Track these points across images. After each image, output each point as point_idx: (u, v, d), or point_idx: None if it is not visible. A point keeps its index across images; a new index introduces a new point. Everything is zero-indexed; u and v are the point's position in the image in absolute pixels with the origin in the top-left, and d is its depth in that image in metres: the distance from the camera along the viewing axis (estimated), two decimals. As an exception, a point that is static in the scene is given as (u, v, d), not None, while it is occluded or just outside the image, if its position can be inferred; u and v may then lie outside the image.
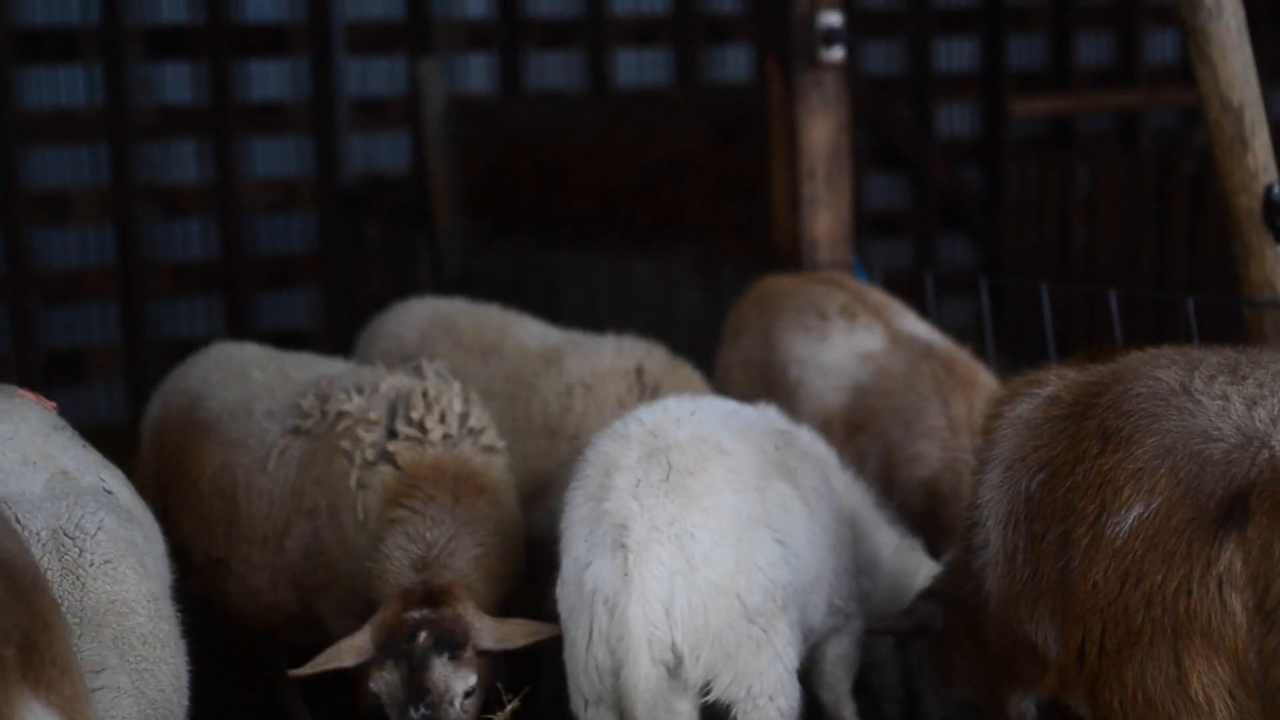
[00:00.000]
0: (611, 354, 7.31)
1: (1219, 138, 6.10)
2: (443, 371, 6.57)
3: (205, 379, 7.03)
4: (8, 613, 3.72)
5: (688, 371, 7.34)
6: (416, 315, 8.25)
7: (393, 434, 6.19)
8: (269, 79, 13.52)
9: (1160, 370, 4.56)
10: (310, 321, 13.74)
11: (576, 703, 5.21)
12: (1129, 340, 5.58)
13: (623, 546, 5.04)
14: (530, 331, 7.84)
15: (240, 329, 13.22)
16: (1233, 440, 4.22)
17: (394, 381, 6.42)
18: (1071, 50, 15.77)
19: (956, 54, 15.57)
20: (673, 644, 5.02)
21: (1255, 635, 4.06)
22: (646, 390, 7.11)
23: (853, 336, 7.58)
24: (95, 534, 4.69)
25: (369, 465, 6.15)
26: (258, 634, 7.15)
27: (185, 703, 4.83)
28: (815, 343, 7.62)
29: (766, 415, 5.95)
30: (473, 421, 6.30)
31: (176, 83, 13.22)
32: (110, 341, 13.12)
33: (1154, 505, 4.22)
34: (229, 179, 13.30)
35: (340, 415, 6.33)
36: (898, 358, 7.41)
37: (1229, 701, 4.11)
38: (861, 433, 7.27)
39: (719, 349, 8.16)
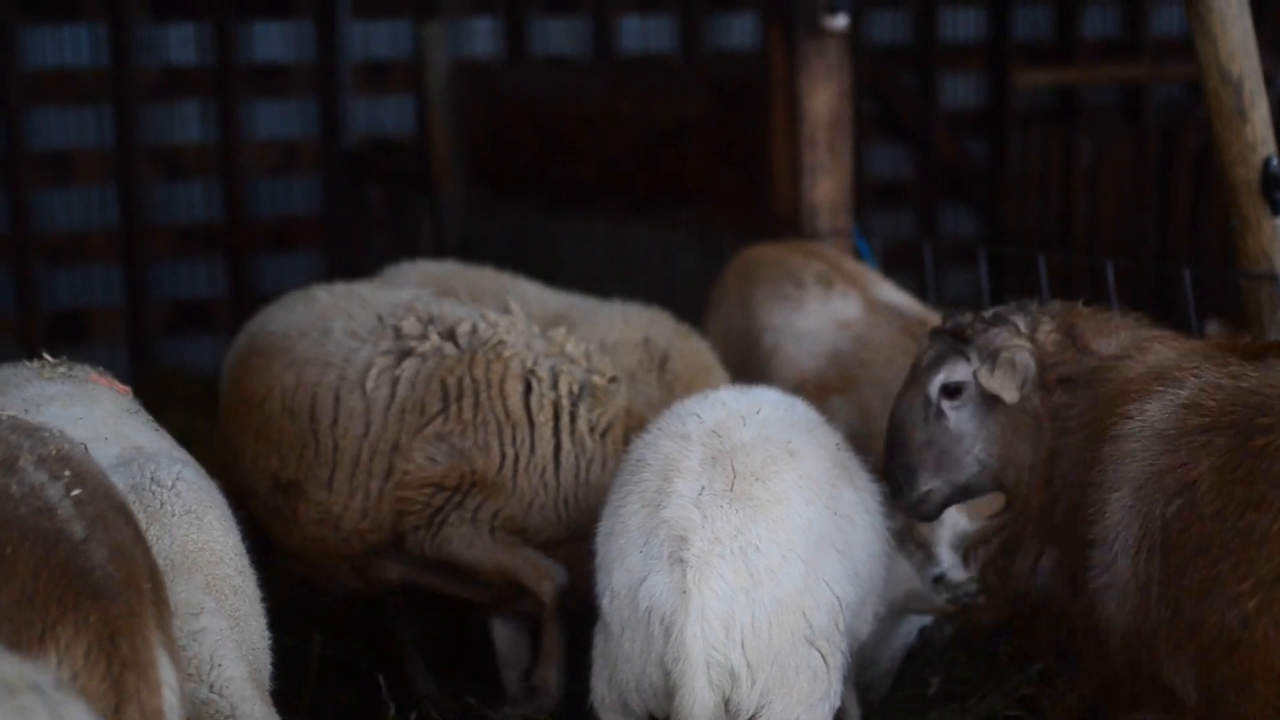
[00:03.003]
0: (619, 324, 7.26)
1: (1218, 109, 6.10)
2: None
3: (263, 315, 7.01)
4: (139, 549, 3.91)
5: (695, 340, 7.30)
6: (406, 279, 8.04)
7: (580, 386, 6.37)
8: (273, 41, 13.50)
9: None
10: (311, 281, 13.72)
11: (607, 708, 5.00)
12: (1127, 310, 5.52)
13: (681, 561, 4.67)
14: (529, 296, 7.66)
15: (242, 292, 13.25)
16: None
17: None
18: (1077, 21, 15.74)
19: (962, 23, 15.52)
20: (731, 667, 4.64)
21: None
22: (655, 361, 7.08)
23: (829, 304, 7.64)
24: (174, 485, 4.77)
25: (579, 397, 6.34)
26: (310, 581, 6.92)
27: (269, 667, 4.85)
28: (791, 310, 7.67)
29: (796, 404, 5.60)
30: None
31: (180, 44, 13.21)
32: (113, 303, 13.13)
33: None
34: (232, 141, 13.30)
35: (499, 343, 6.42)
36: (876, 327, 7.47)
37: None
38: (835, 395, 7.29)
39: (704, 317, 8.19)
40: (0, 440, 3.91)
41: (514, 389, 6.32)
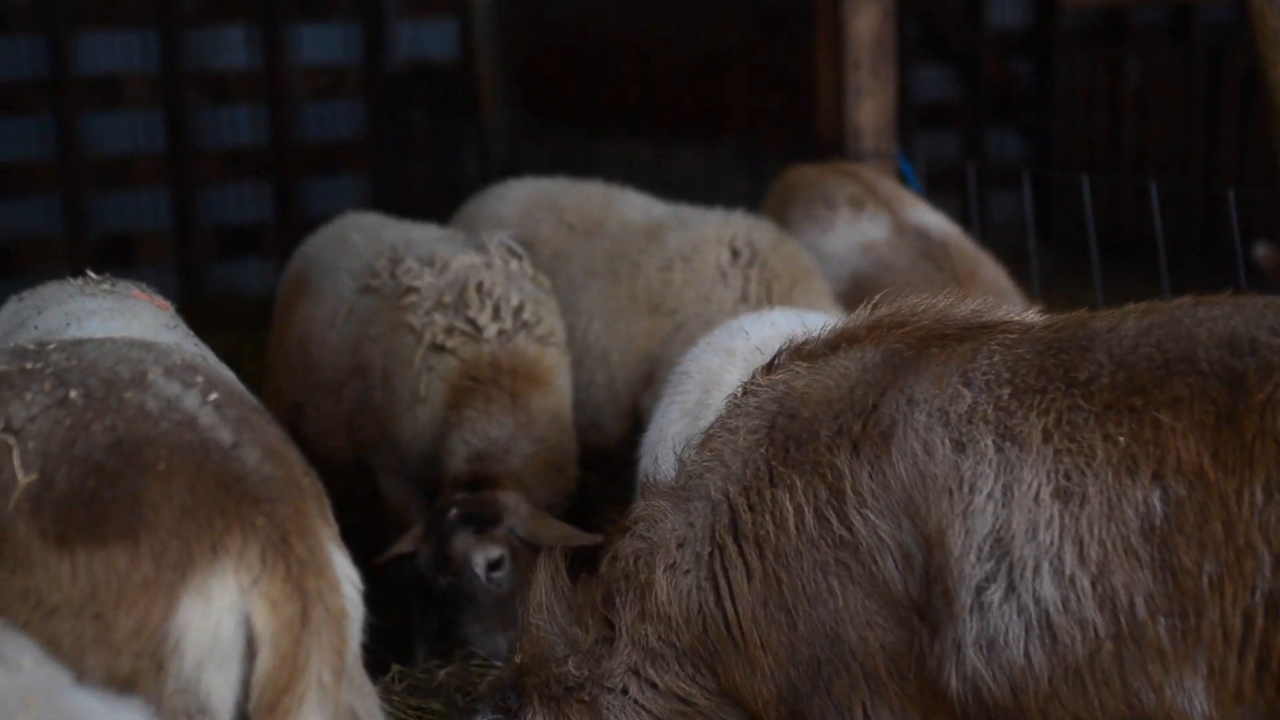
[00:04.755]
0: (714, 225, 7.27)
1: (1262, 29, 6.06)
2: (509, 244, 6.71)
3: (318, 244, 7.49)
4: (289, 448, 3.77)
5: (793, 248, 7.26)
6: (518, 194, 8.23)
7: (451, 330, 6.37)
8: (318, -35, 13.53)
9: None
10: (359, 208, 13.78)
11: None
12: (1174, 233, 5.48)
13: None
14: (635, 206, 7.76)
15: (289, 215, 13.33)
16: None
17: (464, 261, 6.54)
18: (1126, -59, 15.57)
19: (1009, -56, 15.39)
20: None
21: None
22: (742, 260, 7.09)
23: (857, 226, 7.67)
24: None
25: (436, 350, 6.33)
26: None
27: None
28: (820, 232, 7.71)
29: None
30: (527, 314, 6.46)
31: (226, -32, 13.25)
32: (160, 226, 13.23)
33: None
34: (277, 65, 13.33)
35: (409, 289, 6.49)
36: (899, 250, 7.48)
37: None
38: (858, 320, 7.32)
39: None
40: (123, 358, 3.75)
41: (404, 336, 6.53)
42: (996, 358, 4.09)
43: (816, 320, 5.64)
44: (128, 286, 5.31)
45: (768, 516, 4.12)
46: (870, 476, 4.04)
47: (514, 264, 6.67)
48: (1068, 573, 3.81)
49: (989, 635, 3.87)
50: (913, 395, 4.09)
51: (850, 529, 4.02)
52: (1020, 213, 13.45)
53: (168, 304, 5.37)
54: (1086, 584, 3.80)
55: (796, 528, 4.08)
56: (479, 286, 6.46)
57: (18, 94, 12.71)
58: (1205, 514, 3.74)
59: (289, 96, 13.43)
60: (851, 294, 7.52)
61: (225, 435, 3.59)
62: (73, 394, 3.56)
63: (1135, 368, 3.93)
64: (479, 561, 5.87)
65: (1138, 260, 10.80)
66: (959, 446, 3.97)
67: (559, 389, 6.51)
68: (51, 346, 3.81)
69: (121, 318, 4.98)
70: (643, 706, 4.32)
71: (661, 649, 4.29)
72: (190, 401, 3.64)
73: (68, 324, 4.89)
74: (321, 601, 3.48)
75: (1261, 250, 10.94)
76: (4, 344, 4.98)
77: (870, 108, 8.95)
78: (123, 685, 3.33)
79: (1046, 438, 3.89)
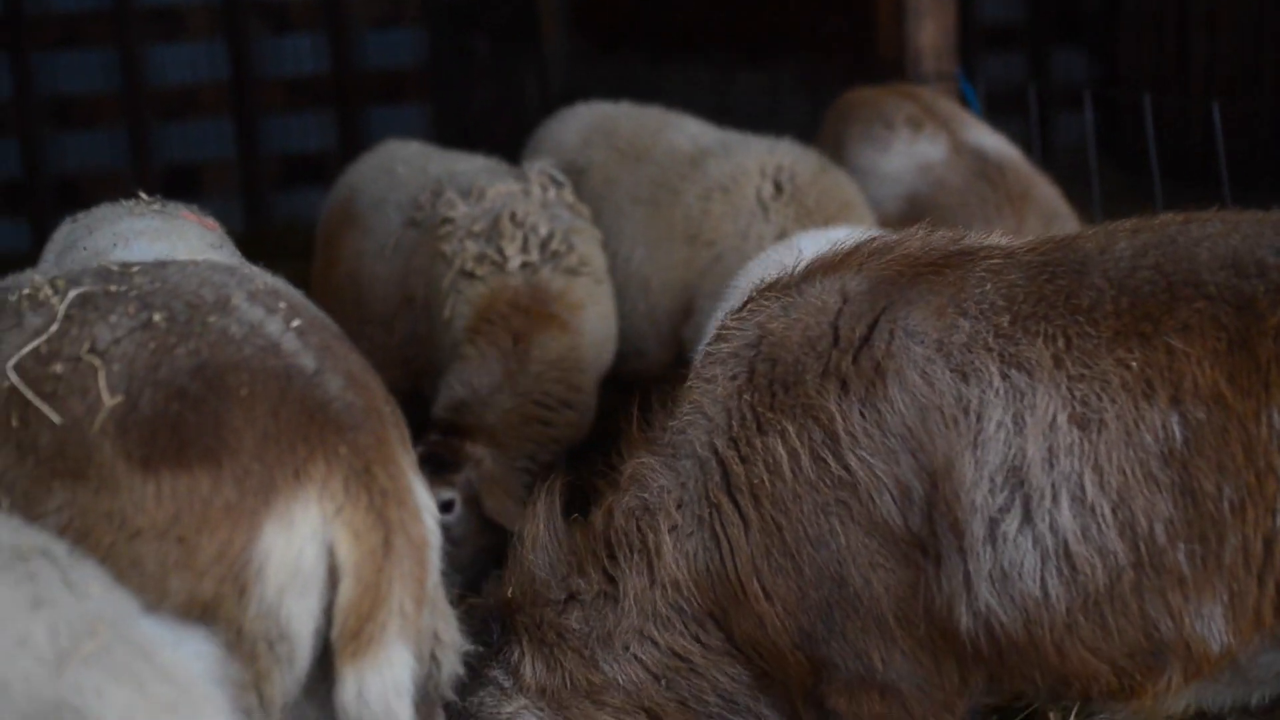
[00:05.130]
0: (757, 155, 7.20)
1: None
2: (551, 172, 6.70)
3: (363, 174, 7.54)
4: (370, 375, 3.76)
5: (836, 177, 7.21)
6: (580, 120, 8.25)
7: (481, 258, 6.38)
8: (377, -108, 13.49)
9: None
10: (421, 136, 13.80)
11: None
12: (1243, 154, 5.38)
13: None
14: (686, 133, 7.70)
15: (352, 143, 13.33)
16: None
17: (501, 190, 6.54)
18: None
19: None
20: None
21: None
22: (785, 193, 7.03)
23: (915, 147, 7.63)
24: None
25: (466, 276, 6.33)
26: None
27: None
28: (878, 153, 7.68)
29: None
30: (556, 243, 6.45)
31: (285, -103, 13.24)
32: (225, 156, 13.28)
33: None
34: (338, -7, 13.34)
35: (445, 220, 6.50)
36: (956, 170, 7.45)
37: None
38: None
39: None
40: (206, 281, 3.72)
41: (439, 264, 6.58)
42: (988, 285, 4.00)
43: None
44: (177, 208, 5.32)
45: (760, 465, 4.06)
46: (863, 415, 3.97)
47: (551, 193, 6.66)
48: (1088, 500, 3.76)
49: (1003, 568, 3.82)
50: (909, 326, 4.00)
51: (847, 469, 3.96)
52: (1081, 134, 13.31)
53: (215, 224, 5.38)
54: (1107, 511, 3.75)
55: (792, 472, 4.02)
56: (512, 216, 6.48)
57: (81, 27, 12.78)
58: (1225, 437, 3.70)
59: (350, 24, 13.42)
60: (908, 214, 7.49)
61: (308, 362, 3.57)
62: (157, 317, 3.55)
63: (1138, 292, 3.86)
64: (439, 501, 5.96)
65: (1206, 182, 10.67)
66: (962, 376, 3.89)
67: (582, 325, 6.51)
68: (135, 269, 3.79)
69: (167, 239, 5.00)
70: (640, 662, 4.30)
71: (668, 613, 4.26)
72: (273, 327, 3.62)
73: (115, 244, 4.92)
74: (404, 530, 3.47)
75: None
76: (57, 264, 5.03)
77: (931, 29, 8.86)
78: (204, 609, 3.35)
79: (1058, 363, 3.83)
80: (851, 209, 6.99)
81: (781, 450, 4.03)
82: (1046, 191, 7.43)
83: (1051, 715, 5.20)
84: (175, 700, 2.73)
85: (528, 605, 4.41)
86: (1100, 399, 3.78)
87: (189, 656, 2.87)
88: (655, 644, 4.29)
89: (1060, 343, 3.84)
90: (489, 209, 6.54)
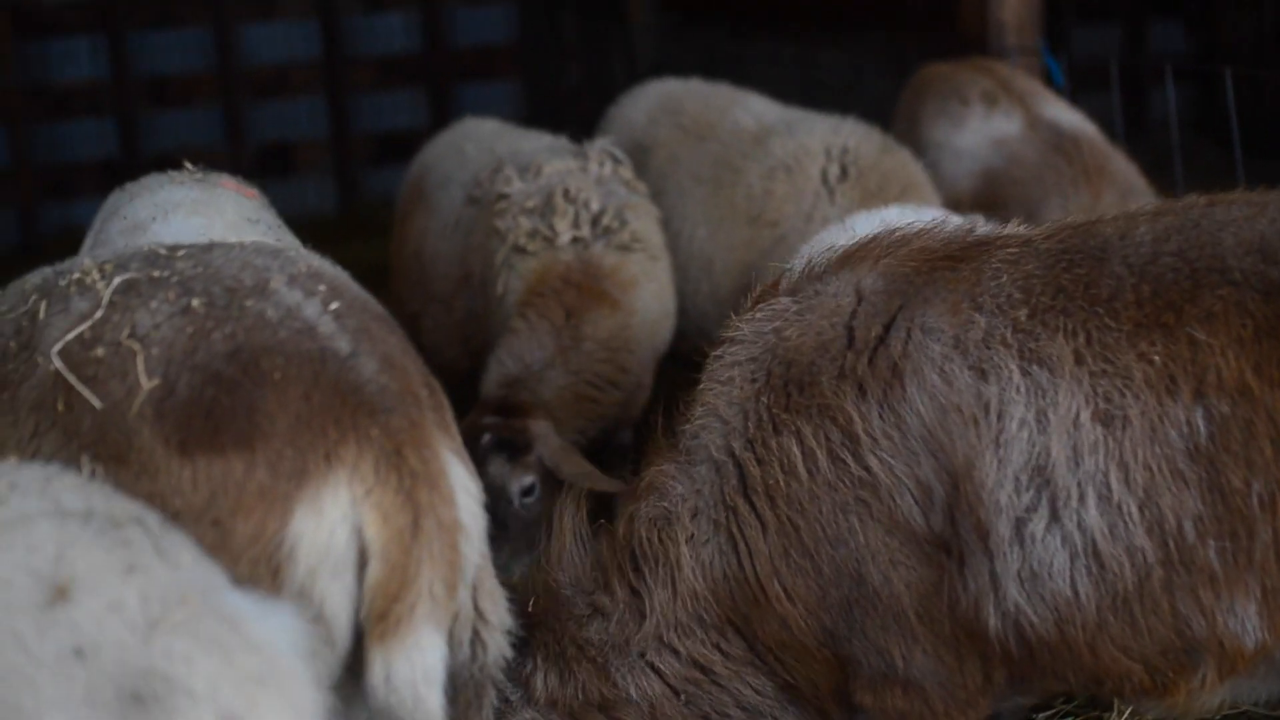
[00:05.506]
0: (821, 134, 7.14)
1: None
2: (610, 149, 6.71)
3: (434, 152, 7.63)
4: (408, 356, 3.79)
5: (901, 158, 7.12)
6: (649, 98, 8.24)
7: (533, 234, 6.43)
8: None
9: None
10: (511, 113, 13.88)
11: None
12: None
13: None
14: (752, 111, 7.66)
15: (442, 121, 13.39)
16: None
17: (557, 167, 6.57)
18: None
19: None
20: None
21: None
22: (849, 175, 6.98)
23: (990, 122, 7.57)
24: None
25: (518, 251, 6.38)
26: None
27: None
28: (952, 128, 7.62)
29: None
30: (608, 219, 6.46)
31: (377, -125, 13.34)
32: (317, 135, 13.42)
33: None
34: (430, -29, 13.42)
35: (501, 196, 6.54)
36: (1031, 145, 7.39)
37: None
38: (985, 215, 7.22)
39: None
40: (248, 265, 3.76)
41: (493, 240, 6.60)
42: (1004, 277, 3.95)
43: (932, 217, 5.58)
44: (218, 177, 5.39)
45: (776, 466, 4.04)
46: (881, 417, 3.93)
47: (609, 169, 6.66)
48: (1114, 499, 3.72)
49: (1031, 568, 3.78)
50: (925, 324, 3.96)
51: (868, 469, 3.93)
52: (1185, 108, 13.13)
53: (255, 193, 5.44)
54: (1134, 509, 3.71)
55: (809, 472, 3.99)
56: (565, 192, 6.48)
57: (176, 7, 12.96)
58: (1251, 430, 3.64)
59: (441, 2, 13.50)
60: (983, 190, 7.45)
61: (343, 344, 3.60)
62: (195, 302, 3.61)
63: (1160, 280, 3.79)
64: (514, 489, 5.98)
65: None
66: (980, 374, 3.85)
67: (634, 303, 6.48)
68: (181, 253, 3.85)
69: (205, 213, 5.08)
70: (658, 671, 4.27)
71: (689, 622, 4.24)
72: (310, 310, 3.65)
73: (154, 217, 5.02)
74: (433, 513, 3.49)
75: None
76: (101, 231, 5.18)
77: (1013, 3, 8.75)
78: None
79: (1079, 360, 3.77)
80: (916, 190, 6.90)
81: (797, 451, 4.01)
82: (1123, 167, 7.35)
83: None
84: (262, 672, 2.78)
85: (550, 620, 4.40)
86: (1124, 395, 3.73)
87: (275, 629, 2.91)
88: (676, 654, 4.27)
89: (1081, 337, 3.79)
90: (544, 185, 6.56)
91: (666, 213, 7.29)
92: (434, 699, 3.46)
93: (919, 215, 5.61)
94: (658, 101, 8.05)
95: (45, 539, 2.82)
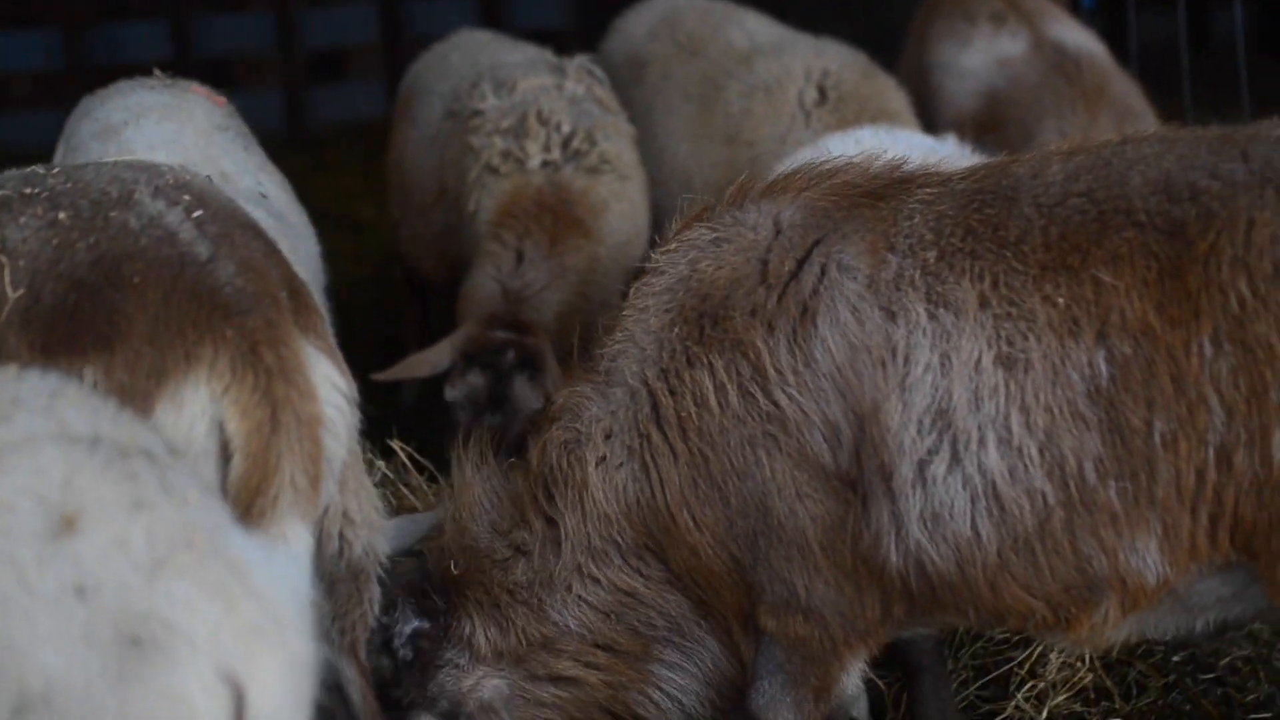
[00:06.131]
0: (804, 57, 7.11)
1: None
2: (589, 67, 6.74)
3: (425, 62, 7.76)
4: (272, 262, 3.93)
5: (881, 84, 7.08)
6: (652, 11, 8.17)
7: (506, 154, 6.47)
8: None
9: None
10: (564, 20, 13.90)
11: None
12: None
13: None
14: (746, 29, 7.61)
15: (493, 26, 13.44)
16: None
17: (532, 84, 6.60)
18: None
19: None
20: None
21: None
22: (827, 99, 6.97)
23: (995, 42, 7.51)
24: None
25: (491, 171, 6.41)
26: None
27: None
28: (958, 48, 7.58)
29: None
30: (578, 142, 6.49)
31: None
32: (369, 40, 13.49)
33: None
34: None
35: (475, 113, 6.58)
36: (1033, 65, 7.33)
37: None
38: (989, 134, 7.17)
39: (901, 58, 8.11)
40: (115, 179, 3.89)
41: (468, 157, 6.64)
42: (917, 218, 3.95)
43: (904, 139, 5.56)
44: (188, 84, 5.50)
45: (688, 398, 4.07)
46: (790, 353, 3.96)
47: (584, 87, 6.67)
48: (1015, 441, 3.74)
49: (933, 509, 3.81)
50: (842, 261, 3.97)
51: (776, 404, 3.96)
52: (1249, 27, 12.84)
53: (223, 100, 5.55)
54: (1034, 452, 3.73)
55: (719, 405, 4.03)
56: (539, 114, 6.51)
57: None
58: (1153, 371, 3.64)
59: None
60: (984, 110, 7.41)
61: (202, 250, 3.73)
62: (62, 215, 3.75)
63: (1068, 223, 3.78)
64: (533, 407, 5.99)
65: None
66: (889, 315, 3.87)
67: (604, 228, 6.51)
68: (55, 171, 4.00)
69: (176, 119, 5.24)
70: (586, 601, 4.32)
71: (604, 546, 4.28)
72: (172, 218, 3.78)
73: (126, 121, 5.17)
74: (291, 407, 3.61)
75: None
76: (70, 134, 5.33)
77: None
78: None
79: (983, 303, 3.78)
80: (894, 119, 6.81)
81: (709, 384, 4.04)
82: (1123, 88, 7.27)
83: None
84: (262, 623, 2.72)
85: (474, 574, 4.44)
86: (1026, 338, 3.74)
87: (278, 577, 2.86)
88: (598, 581, 4.32)
89: (987, 280, 3.79)
90: (518, 103, 6.59)
91: (655, 128, 7.30)
92: (303, 586, 3.58)
93: (893, 138, 5.63)
94: (660, 15, 7.99)
95: (52, 463, 2.76)
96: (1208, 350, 3.60)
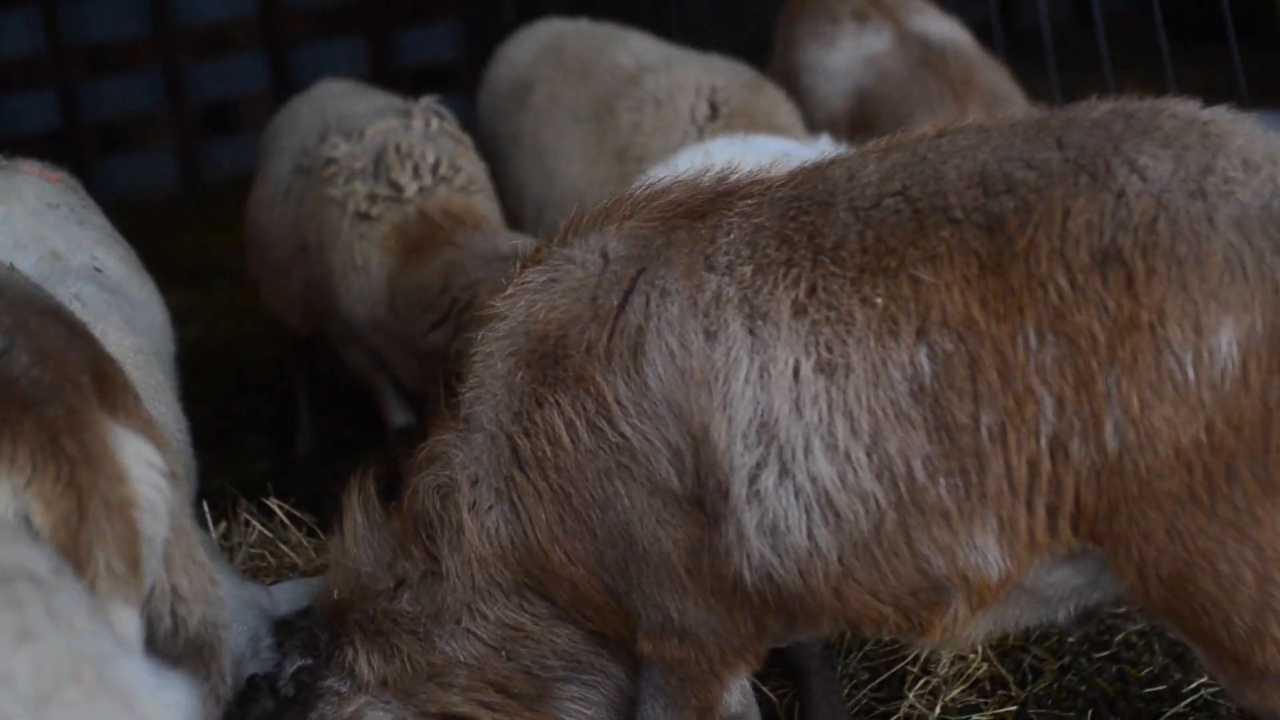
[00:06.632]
0: (694, 72, 7.11)
1: None
2: (435, 107, 6.74)
3: (277, 120, 7.67)
4: (74, 346, 3.81)
5: (772, 96, 7.09)
6: (535, 37, 8.20)
7: (373, 197, 6.43)
8: None
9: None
10: (452, 54, 13.86)
11: None
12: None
13: None
14: (632, 50, 7.61)
15: (382, 68, 13.41)
16: None
17: (380, 127, 6.59)
18: None
19: None
20: None
21: None
22: (719, 113, 6.95)
23: (860, 40, 7.52)
24: (70, 303, 4.87)
25: (362, 218, 6.38)
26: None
27: (192, 463, 5.06)
28: (824, 50, 7.58)
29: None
30: (444, 169, 6.50)
31: None
32: (260, 89, 13.42)
33: (1256, 320, 3.49)
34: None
35: (328, 161, 6.55)
36: (899, 60, 7.34)
37: None
38: (863, 133, 7.18)
39: (770, 65, 8.10)
40: None
41: (329, 209, 6.58)
42: (734, 234, 3.94)
43: (762, 146, 5.55)
44: (19, 162, 5.45)
45: (542, 438, 4.08)
46: (627, 384, 3.96)
47: (435, 124, 6.68)
48: (840, 447, 3.72)
49: (771, 522, 3.80)
50: (665, 287, 3.97)
51: (623, 436, 3.97)
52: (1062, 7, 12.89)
53: (59, 177, 5.50)
54: (861, 455, 3.70)
55: (572, 442, 4.03)
56: (397, 148, 6.49)
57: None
58: (977, 365, 3.62)
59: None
60: (855, 109, 7.42)
61: None
62: None
63: (883, 225, 3.76)
64: None
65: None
66: (710, 336, 3.86)
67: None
68: None
69: (5, 200, 5.20)
70: (476, 635, 4.32)
71: (488, 586, 4.28)
72: None
73: None
74: (98, 494, 3.52)
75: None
76: None
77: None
78: None
79: (799, 312, 3.76)
80: (783, 132, 6.78)
81: (560, 422, 4.04)
82: (991, 76, 7.30)
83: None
84: None
85: (357, 602, 4.42)
86: (845, 343, 3.72)
87: (170, 704, 2.74)
88: (485, 617, 4.31)
89: (802, 288, 3.78)
90: (370, 145, 6.58)
91: (545, 152, 7.28)
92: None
93: (746, 146, 5.62)
94: (543, 41, 8.02)
95: None
96: (1033, 342, 3.59)
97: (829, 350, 3.73)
